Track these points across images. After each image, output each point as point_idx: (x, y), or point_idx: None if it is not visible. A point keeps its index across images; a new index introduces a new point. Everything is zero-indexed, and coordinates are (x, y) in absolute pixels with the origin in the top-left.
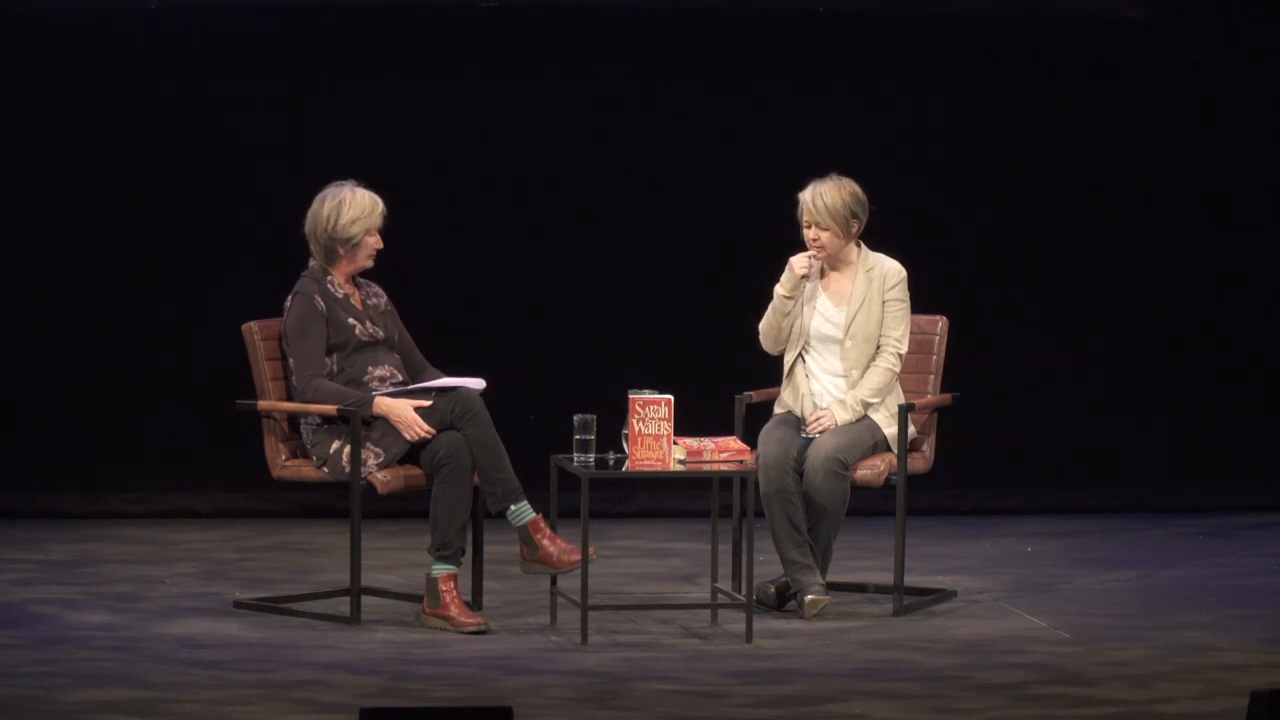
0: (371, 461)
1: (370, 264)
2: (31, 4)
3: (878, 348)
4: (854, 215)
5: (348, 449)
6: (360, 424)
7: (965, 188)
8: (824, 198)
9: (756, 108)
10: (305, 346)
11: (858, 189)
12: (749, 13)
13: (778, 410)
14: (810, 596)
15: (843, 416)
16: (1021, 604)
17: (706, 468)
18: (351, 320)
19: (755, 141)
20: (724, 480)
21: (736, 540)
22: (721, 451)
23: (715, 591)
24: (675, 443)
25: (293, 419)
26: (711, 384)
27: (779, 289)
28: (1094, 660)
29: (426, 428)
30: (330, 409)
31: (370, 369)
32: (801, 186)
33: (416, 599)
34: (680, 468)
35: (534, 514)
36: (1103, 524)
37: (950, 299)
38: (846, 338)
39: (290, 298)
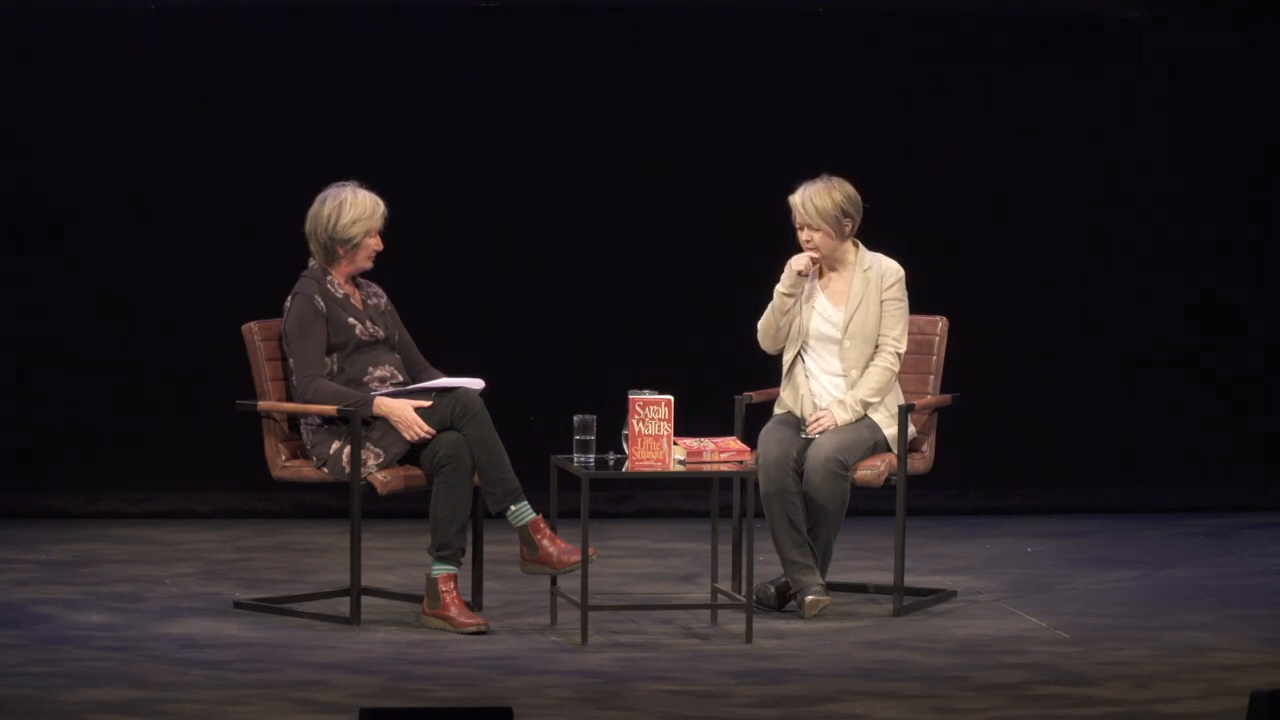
0: (371, 462)
1: (369, 265)
2: (31, 4)
3: (876, 347)
4: (846, 215)
5: (348, 449)
6: (360, 424)
7: (965, 188)
8: (814, 200)
9: (756, 107)
10: (305, 347)
11: (849, 188)
12: (749, 12)
13: (777, 410)
14: (810, 597)
15: (842, 417)
16: (1021, 604)
17: (706, 468)
18: (352, 320)
19: (755, 141)
20: (724, 480)
21: (736, 540)
22: (721, 451)
23: (715, 591)
24: (675, 443)
25: (293, 419)
26: (711, 384)
27: (779, 287)
28: (1094, 660)
29: (426, 428)
30: (330, 409)
31: (370, 369)
32: (794, 190)
33: (416, 599)
34: (680, 468)
35: (534, 514)
36: (1103, 524)
37: (950, 299)
38: (845, 338)
39: (290, 298)
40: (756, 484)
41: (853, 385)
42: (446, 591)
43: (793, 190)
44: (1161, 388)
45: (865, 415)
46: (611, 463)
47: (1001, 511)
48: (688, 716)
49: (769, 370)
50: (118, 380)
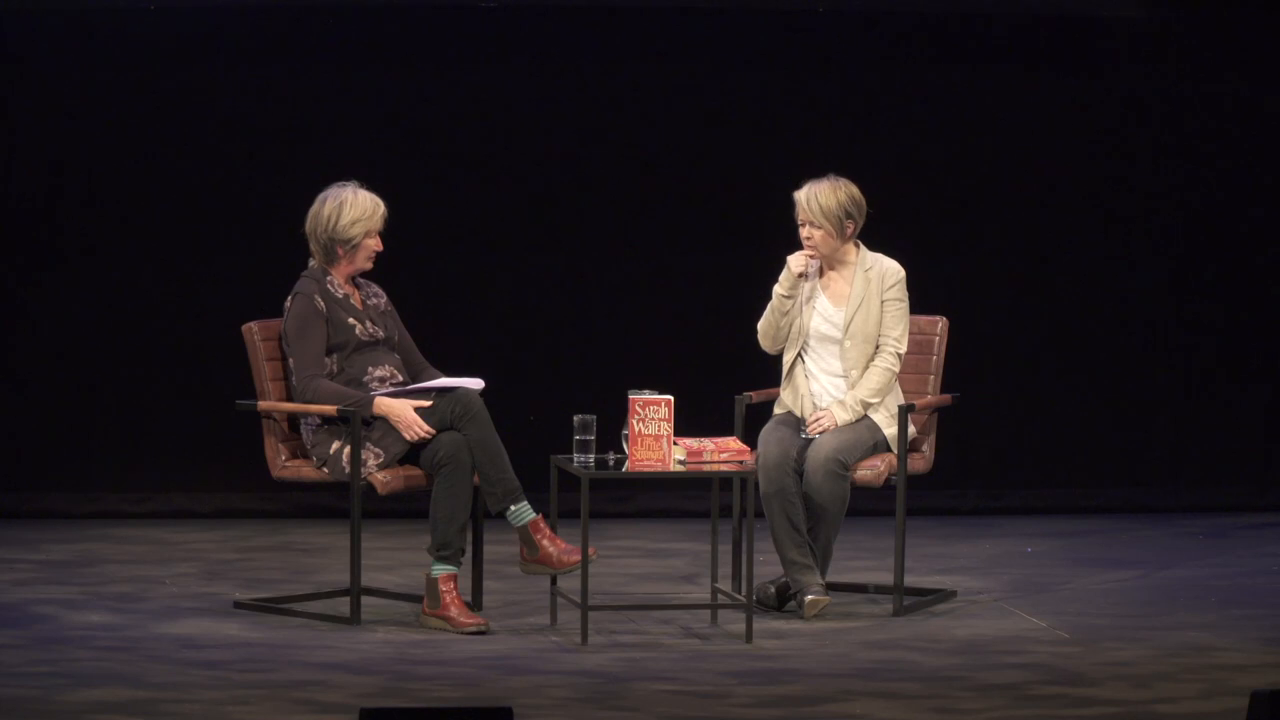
0: (371, 462)
1: (369, 265)
2: (31, 4)
3: (877, 347)
4: (848, 216)
5: (348, 449)
6: (360, 424)
7: (965, 188)
8: (818, 198)
9: (756, 107)
10: (305, 347)
11: (855, 190)
12: (749, 12)
13: (777, 410)
14: (810, 597)
15: (842, 417)
16: (1021, 604)
17: (706, 468)
18: (351, 320)
19: (755, 141)
20: (724, 480)
21: (736, 540)
22: (721, 452)
23: (715, 591)
24: (675, 443)
25: (293, 419)
26: (711, 384)
27: (777, 288)
28: (1094, 660)
29: (426, 428)
30: (330, 409)
31: (370, 369)
32: (800, 186)
33: (416, 599)
34: (680, 468)
35: (534, 514)
36: (1103, 524)
37: (950, 299)
38: (845, 338)
39: (290, 298)
40: (756, 484)
41: (853, 385)
42: (446, 591)
43: (796, 188)
44: (1161, 388)
45: (865, 415)
46: (611, 463)
47: (1001, 511)
48: (688, 716)
49: (769, 370)
50: (117, 380)
